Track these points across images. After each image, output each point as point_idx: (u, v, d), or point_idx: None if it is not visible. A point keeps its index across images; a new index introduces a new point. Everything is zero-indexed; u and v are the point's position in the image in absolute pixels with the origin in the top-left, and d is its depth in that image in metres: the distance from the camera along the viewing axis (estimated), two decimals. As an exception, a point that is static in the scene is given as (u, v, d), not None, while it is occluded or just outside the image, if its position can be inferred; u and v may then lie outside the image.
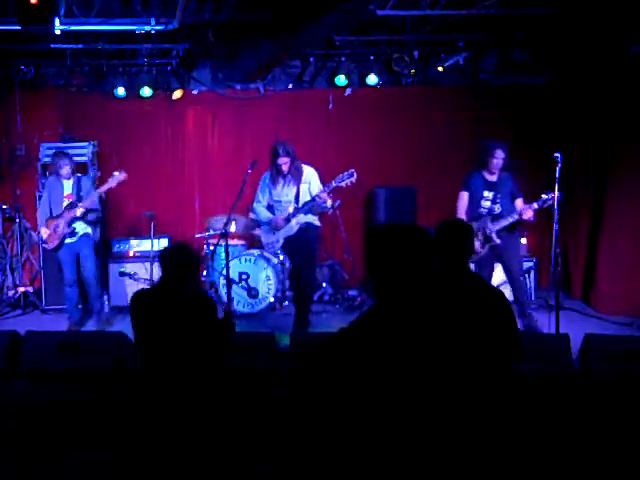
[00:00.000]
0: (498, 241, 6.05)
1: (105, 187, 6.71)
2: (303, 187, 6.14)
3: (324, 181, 6.19)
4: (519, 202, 6.12)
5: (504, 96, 8.06)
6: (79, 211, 6.64)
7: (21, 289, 7.66)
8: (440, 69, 7.83)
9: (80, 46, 7.13)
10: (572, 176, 6.46)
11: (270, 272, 7.13)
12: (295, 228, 6.13)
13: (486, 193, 6.17)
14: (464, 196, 6.26)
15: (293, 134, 8.31)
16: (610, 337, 5.52)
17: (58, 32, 6.12)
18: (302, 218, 6.13)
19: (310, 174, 6.20)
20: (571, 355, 5.02)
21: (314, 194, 6.08)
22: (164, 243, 7.77)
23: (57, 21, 5.83)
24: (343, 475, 1.84)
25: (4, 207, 7.98)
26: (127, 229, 8.24)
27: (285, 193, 6.16)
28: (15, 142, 8.06)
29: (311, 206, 6.09)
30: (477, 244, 5.98)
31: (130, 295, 7.47)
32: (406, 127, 8.27)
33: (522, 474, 3.43)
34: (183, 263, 3.67)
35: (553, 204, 5.75)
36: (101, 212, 7.06)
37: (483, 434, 1.91)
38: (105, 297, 7.59)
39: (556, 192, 5.61)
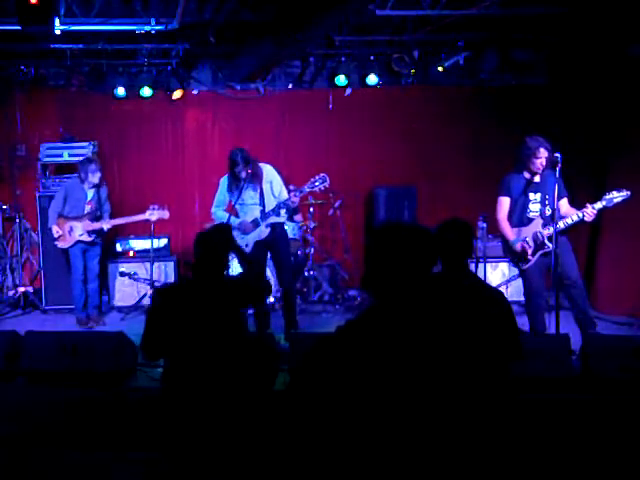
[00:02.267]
0: (551, 247, 5.48)
1: (143, 217, 6.89)
2: (266, 187, 5.99)
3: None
4: (564, 202, 5.66)
5: (504, 96, 8.06)
6: (106, 226, 6.84)
7: (21, 289, 7.66)
8: (440, 69, 7.83)
9: (80, 46, 7.13)
10: (572, 176, 6.44)
11: (270, 272, 7.12)
12: (266, 232, 5.97)
13: (532, 196, 5.63)
14: (505, 202, 5.69)
15: (293, 134, 8.33)
16: (610, 337, 5.51)
17: (58, 32, 6.13)
18: (270, 219, 6.00)
19: (270, 173, 6.04)
20: (571, 355, 5.01)
21: (277, 193, 5.97)
22: (164, 243, 7.78)
23: (57, 21, 5.85)
24: (340, 471, 1.84)
25: (4, 207, 7.98)
26: (127, 229, 8.24)
27: (249, 196, 6.02)
28: (15, 142, 8.05)
29: (283, 209, 5.99)
30: (528, 251, 5.58)
31: (130, 294, 7.46)
32: (406, 127, 8.27)
33: (522, 474, 3.43)
34: (225, 244, 3.43)
35: (620, 202, 5.43)
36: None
37: (480, 432, 1.91)
38: (105, 297, 7.61)
39: (555, 191, 5.48)
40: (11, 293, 7.80)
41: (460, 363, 1.91)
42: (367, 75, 7.91)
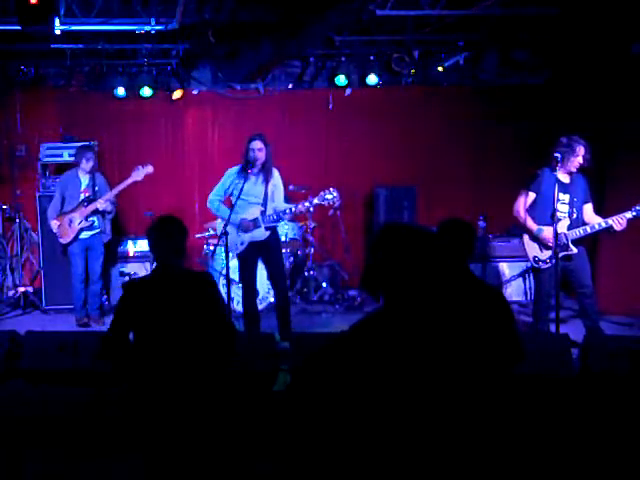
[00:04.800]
0: (575, 250, 5.44)
1: (130, 180, 6.78)
2: (270, 189, 5.84)
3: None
4: (588, 207, 5.63)
5: (504, 96, 8.06)
6: (100, 204, 6.73)
7: (21, 289, 7.65)
8: (440, 69, 7.84)
9: (80, 46, 7.13)
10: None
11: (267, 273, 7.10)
12: (265, 235, 5.81)
13: (562, 196, 5.48)
14: (530, 196, 5.60)
15: (293, 134, 8.32)
16: (610, 337, 5.51)
17: (58, 32, 6.14)
18: (271, 223, 5.86)
19: (277, 178, 5.90)
20: (571, 355, 5.01)
21: (276, 200, 5.84)
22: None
23: (57, 21, 5.85)
24: (344, 471, 1.84)
25: (4, 207, 7.98)
26: (127, 229, 8.25)
27: (254, 193, 5.82)
28: (15, 142, 8.06)
29: (288, 216, 5.88)
30: (548, 252, 5.52)
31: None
32: (406, 127, 8.27)
33: (522, 473, 3.43)
34: (182, 233, 3.39)
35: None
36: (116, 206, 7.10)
37: (482, 433, 1.91)
38: (105, 296, 7.61)
39: (555, 191, 5.44)
40: (11, 293, 7.80)
41: (463, 363, 1.91)
42: (367, 75, 7.91)
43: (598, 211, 5.86)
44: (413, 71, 8.06)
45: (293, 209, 5.81)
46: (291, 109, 8.39)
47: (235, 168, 5.94)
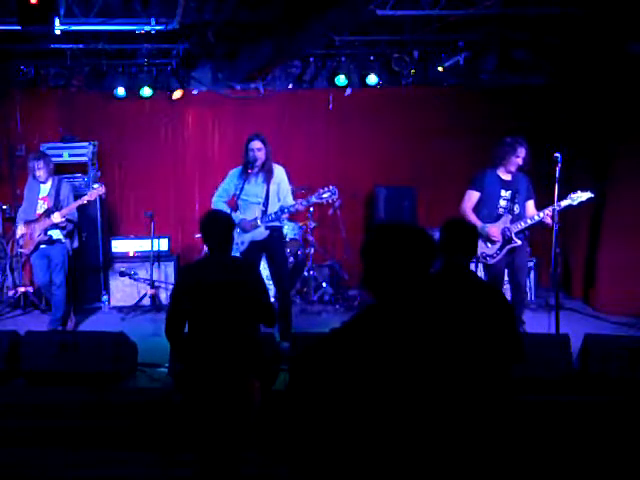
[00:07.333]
0: (519, 242, 5.64)
1: (85, 199, 6.39)
2: (273, 188, 5.82)
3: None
4: (530, 204, 5.81)
5: (504, 96, 8.06)
6: (56, 219, 6.29)
7: (21, 289, 7.65)
8: (440, 69, 7.83)
9: (80, 46, 7.14)
10: (572, 176, 6.45)
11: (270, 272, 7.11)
12: (264, 234, 5.80)
13: (503, 192, 5.75)
14: (474, 195, 5.78)
15: (293, 134, 8.33)
16: (610, 337, 5.51)
17: (58, 32, 6.14)
18: (270, 222, 5.84)
19: (280, 175, 5.88)
20: (571, 355, 5.02)
21: (282, 197, 5.83)
22: (164, 243, 7.78)
23: (57, 21, 5.85)
24: (338, 471, 1.84)
25: (4, 207, 7.97)
26: (127, 229, 8.24)
27: (254, 193, 5.83)
28: (15, 142, 8.06)
29: (286, 215, 5.87)
30: (494, 247, 5.68)
31: (130, 294, 7.47)
32: (406, 127, 8.28)
33: (521, 474, 3.44)
34: (229, 227, 3.81)
35: (584, 202, 5.58)
36: (77, 223, 6.57)
37: (478, 433, 1.91)
38: (105, 296, 7.61)
39: (555, 191, 5.52)
40: (11, 293, 7.79)
41: (459, 363, 1.91)
42: (367, 75, 7.92)
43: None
44: (413, 71, 8.05)
45: (291, 208, 5.81)
46: (291, 109, 8.39)
47: (237, 169, 5.97)
